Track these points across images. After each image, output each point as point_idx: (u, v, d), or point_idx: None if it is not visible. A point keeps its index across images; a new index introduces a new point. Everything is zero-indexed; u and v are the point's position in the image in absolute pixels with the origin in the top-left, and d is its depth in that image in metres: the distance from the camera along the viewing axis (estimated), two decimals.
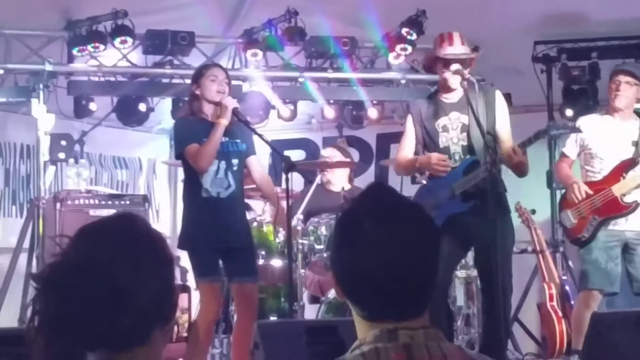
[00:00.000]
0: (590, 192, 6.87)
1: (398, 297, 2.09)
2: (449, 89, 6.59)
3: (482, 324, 6.77)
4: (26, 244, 8.52)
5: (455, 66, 6.48)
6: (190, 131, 6.43)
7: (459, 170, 6.45)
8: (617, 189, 6.83)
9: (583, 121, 7.03)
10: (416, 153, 6.70)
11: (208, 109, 6.47)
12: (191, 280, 6.75)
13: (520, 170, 6.41)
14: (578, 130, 6.69)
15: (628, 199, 6.85)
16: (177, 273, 8.26)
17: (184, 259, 6.78)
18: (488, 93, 6.60)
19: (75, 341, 1.98)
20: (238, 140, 6.52)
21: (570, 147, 7.07)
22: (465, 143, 6.48)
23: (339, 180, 8.65)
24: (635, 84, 6.97)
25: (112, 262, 1.99)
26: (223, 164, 6.43)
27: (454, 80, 6.50)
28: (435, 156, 6.47)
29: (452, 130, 6.53)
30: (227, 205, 6.42)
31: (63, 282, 1.97)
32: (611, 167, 6.88)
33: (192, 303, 8.00)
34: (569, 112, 9.37)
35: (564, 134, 6.84)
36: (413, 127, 6.69)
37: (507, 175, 6.50)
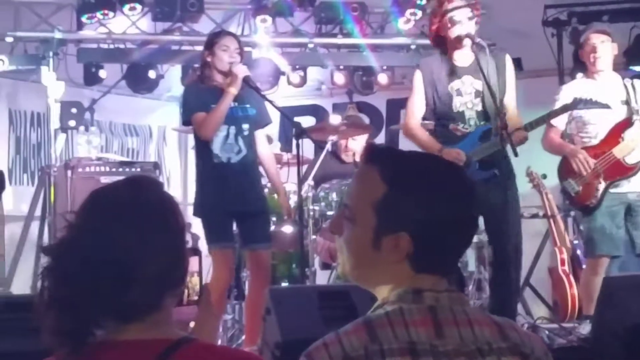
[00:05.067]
0: (592, 159, 6.79)
1: (462, 250, 2.20)
2: (459, 48, 6.39)
3: (492, 288, 6.72)
4: (38, 211, 8.56)
5: (464, 29, 6.42)
6: (199, 99, 6.41)
7: (474, 137, 6.34)
8: (618, 152, 6.73)
9: (566, 90, 6.94)
10: (424, 118, 6.59)
11: (219, 77, 6.45)
12: (203, 247, 6.74)
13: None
14: (606, 106, 6.61)
15: (630, 160, 6.75)
16: (189, 239, 8.29)
17: (195, 225, 6.77)
18: (499, 58, 6.49)
19: (84, 318, 1.99)
20: (247, 105, 6.50)
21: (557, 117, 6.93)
22: (479, 108, 6.34)
23: (357, 148, 8.53)
24: (610, 41, 6.89)
25: (119, 237, 1.99)
26: (233, 129, 6.41)
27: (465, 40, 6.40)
28: (461, 154, 6.26)
29: (466, 95, 6.37)
30: (239, 170, 6.41)
31: (70, 261, 1.98)
32: (606, 130, 6.77)
33: (202, 266, 8.02)
34: (580, 77, 9.31)
35: (591, 108, 6.71)
36: (423, 86, 6.49)
37: None
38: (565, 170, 6.89)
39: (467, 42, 6.35)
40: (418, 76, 6.55)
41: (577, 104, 6.52)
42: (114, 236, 1.98)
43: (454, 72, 6.41)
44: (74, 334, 1.98)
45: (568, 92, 6.82)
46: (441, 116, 6.45)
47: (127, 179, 2.16)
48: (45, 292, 1.99)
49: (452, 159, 5.95)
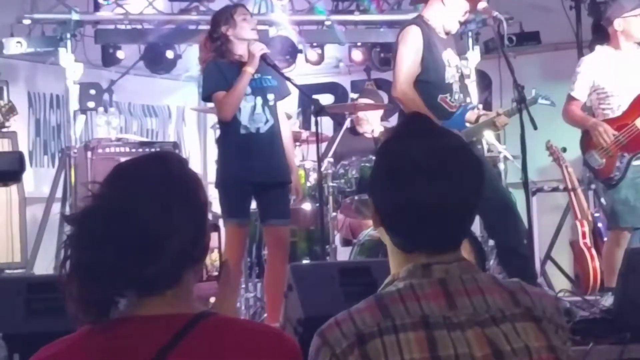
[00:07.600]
0: (614, 131, 6.75)
1: (444, 227, 2.09)
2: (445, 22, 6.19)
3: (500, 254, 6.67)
4: (59, 193, 8.60)
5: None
6: (220, 76, 6.37)
7: (460, 116, 6.29)
8: None
9: (587, 61, 6.93)
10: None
11: (240, 49, 6.41)
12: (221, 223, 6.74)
13: None
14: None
15: None
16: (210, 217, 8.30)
17: (216, 204, 6.77)
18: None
19: (107, 287, 1.98)
20: (269, 77, 6.49)
21: (579, 89, 6.86)
22: (460, 84, 6.24)
23: (371, 122, 8.60)
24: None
25: (144, 208, 1.99)
26: (259, 100, 6.39)
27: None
28: None
29: (452, 67, 6.21)
30: (267, 140, 6.39)
31: (94, 228, 1.97)
32: (629, 102, 6.74)
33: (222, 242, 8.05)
34: (600, 47, 9.25)
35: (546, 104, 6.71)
36: (422, 46, 6.03)
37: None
38: (588, 143, 6.85)
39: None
40: (417, 33, 6.07)
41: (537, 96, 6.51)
42: (139, 206, 1.98)
43: (440, 43, 6.16)
44: (98, 303, 1.98)
45: (590, 64, 6.80)
46: (432, 85, 6.14)
47: (151, 154, 2.18)
48: (68, 260, 1.98)
49: None
